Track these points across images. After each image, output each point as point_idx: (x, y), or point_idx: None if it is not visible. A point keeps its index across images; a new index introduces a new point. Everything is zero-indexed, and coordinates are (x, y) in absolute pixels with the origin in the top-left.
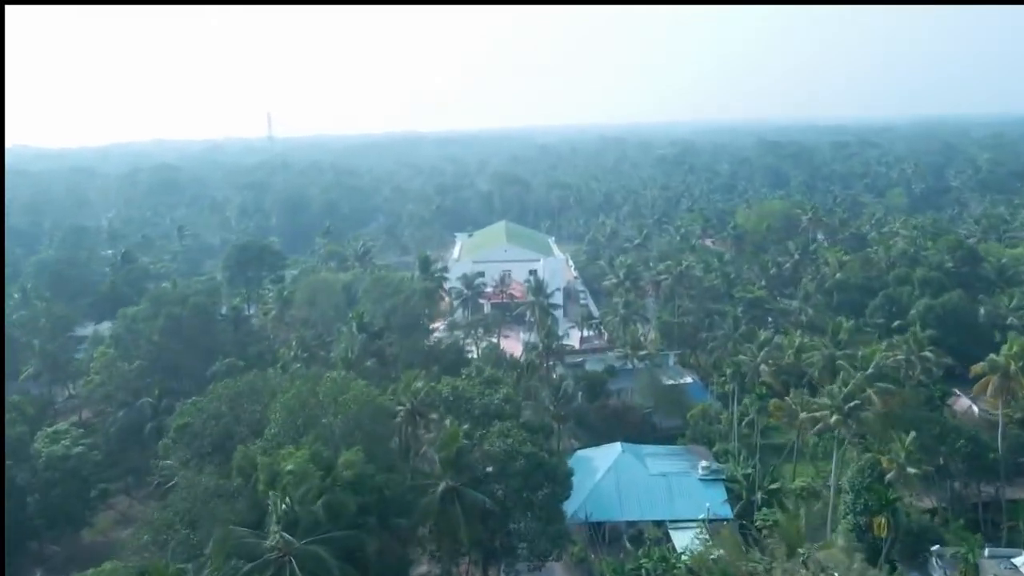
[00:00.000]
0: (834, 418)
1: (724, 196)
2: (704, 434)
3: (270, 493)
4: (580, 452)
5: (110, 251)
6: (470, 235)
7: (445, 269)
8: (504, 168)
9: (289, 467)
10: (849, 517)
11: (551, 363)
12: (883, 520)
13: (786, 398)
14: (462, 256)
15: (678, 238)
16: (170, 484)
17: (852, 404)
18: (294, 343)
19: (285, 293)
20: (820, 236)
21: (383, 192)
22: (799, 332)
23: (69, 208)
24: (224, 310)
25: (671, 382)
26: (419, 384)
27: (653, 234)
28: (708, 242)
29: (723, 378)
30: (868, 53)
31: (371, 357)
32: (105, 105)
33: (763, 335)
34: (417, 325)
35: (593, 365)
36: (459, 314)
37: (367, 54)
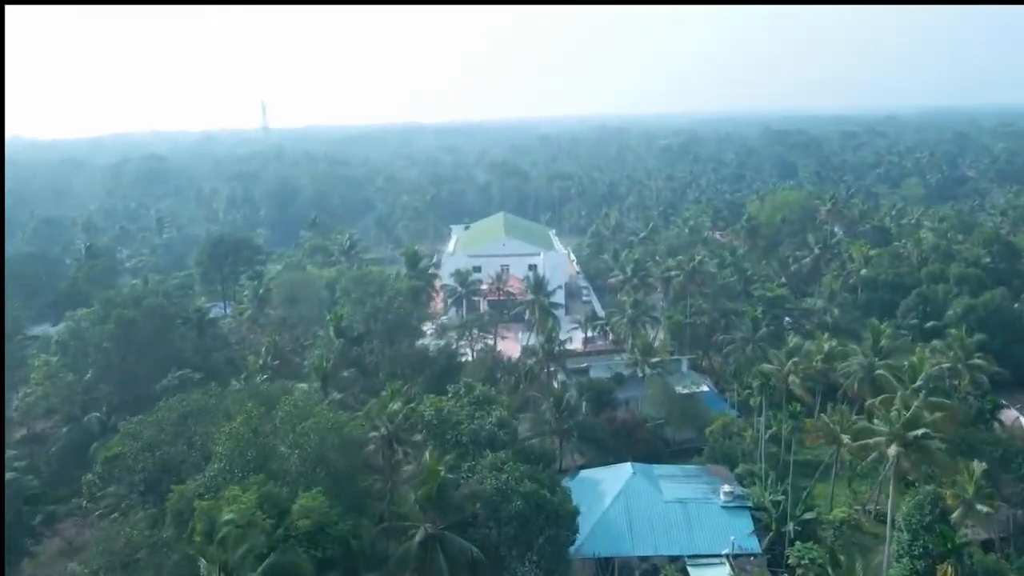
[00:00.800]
0: (893, 448)
1: (732, 187)
2: (724, 452)
3: (201, 559)
4: (585, 473)
5: (88, 244)
6: (466, 227)
7: (436, 265)
8: (503, 158)
9: (228, 517)
10: (905, 561)
11: (551, 369)
12: (948, 569)
13: (822, 415)
14: (457, 250)
15: (687, 231)
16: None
17: (917, 433)
18: (263, 350)
19: (261, 291)
20: (837, 229)
21: (377, 183)
22: (826, 335)
23: (49, 199)
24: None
25: (685, 390)
26: (396, 406)
27: (659, 227)
28: (716, 235)
29: (747, 390)
30: (868, 44)
31: (350, 366)
32: (102, 96)
33: (792, 341)
34: (403, 328)
35: (598, 371)
36: (452, 313)
37: (368, 49)
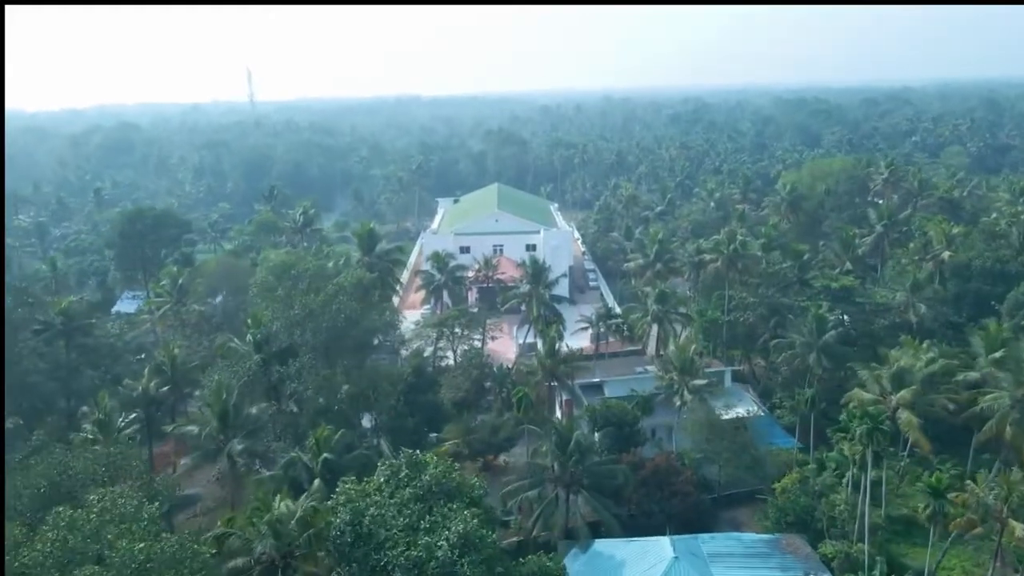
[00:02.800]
0: None
1: (752, 156)
2: (799, 515)
3: None
4: (602, 545)
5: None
6: (456, 201)
7: (398, 249)
8: (501, 127)
9: None
10: None
11: (552, 384)
12: None
13: (970, 484)
14: (442, 227)
15: (712, 204)
16: None
17: None
18: (147, 371)
19: (181, 282)
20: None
21: (361, 152)
22: (927, 343)
23: None
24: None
25: (731, 414)
26: (284, 506)
27: (677, 199)
28: (743, 208)
29: (845, 436)
30: (871, 18)
31: (267, 396)
32: (91, 68)
33: (898, 358)
34: (348, 338)
35: (615, 389)
36: (430, 306)
37: (362, 20)
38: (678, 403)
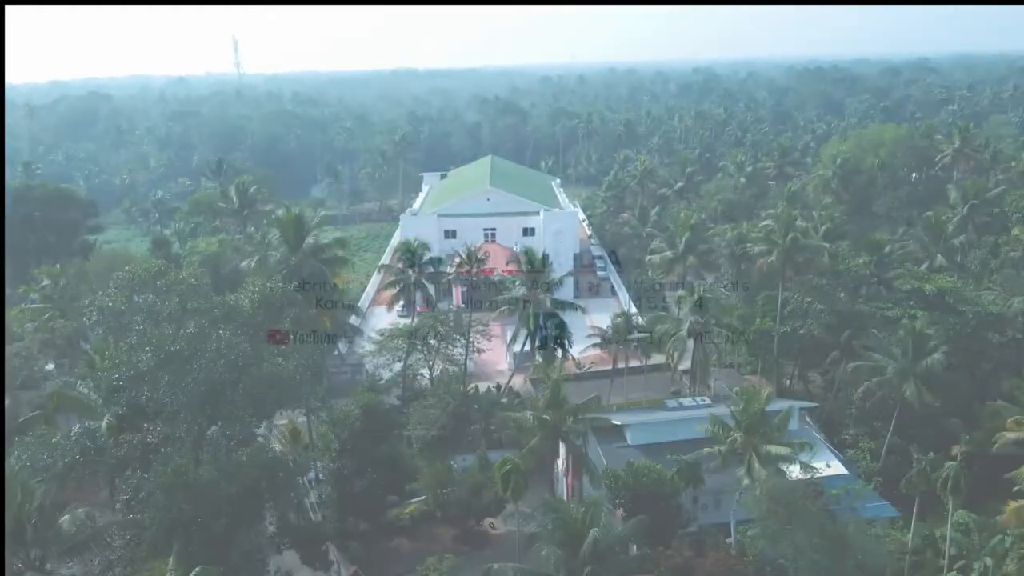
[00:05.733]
0: None
1: (775, 127)
2: None
3: None
4: None
5: None
6: (443, 176)
7: (340, 243)
8: (499, 96)
9: None
10: None
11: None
12: None
13: None
14: (424, 207)
15: (743, 180)
16: None
17: None
18: None
19: (62, 283)
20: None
21: (345, 124)
22: None
23: None
24: None
25: (802, 472)
26: None
27: (697, 174)
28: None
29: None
30: None
31: (109, 489)
32: (86, 40)
33: None
34: (236, 392)
35: (641, 435)
36: (402, 308)
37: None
38: (745, 480)
